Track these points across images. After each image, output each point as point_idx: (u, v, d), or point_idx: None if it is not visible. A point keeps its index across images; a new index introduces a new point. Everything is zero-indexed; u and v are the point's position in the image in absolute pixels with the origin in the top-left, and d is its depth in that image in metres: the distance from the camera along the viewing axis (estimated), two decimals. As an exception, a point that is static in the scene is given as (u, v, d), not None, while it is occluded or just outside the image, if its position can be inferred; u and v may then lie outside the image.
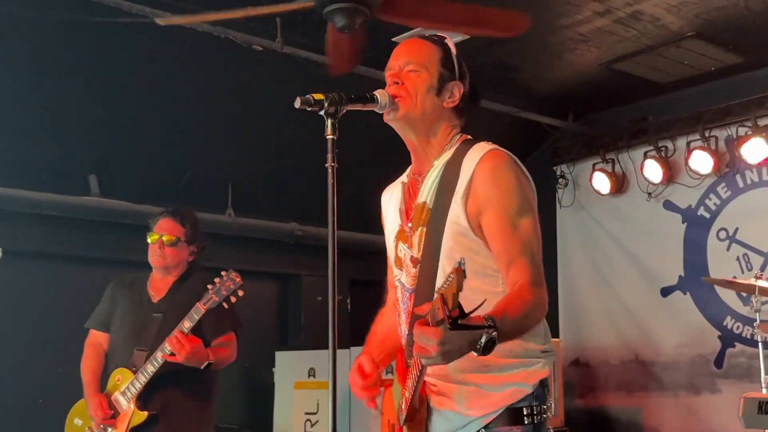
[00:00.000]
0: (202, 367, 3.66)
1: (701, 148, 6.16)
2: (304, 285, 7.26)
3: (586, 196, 7.04)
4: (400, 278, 2.31)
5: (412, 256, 2.21)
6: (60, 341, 5.65)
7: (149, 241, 3.93)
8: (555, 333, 6.48)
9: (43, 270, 5.81)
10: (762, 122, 5.87)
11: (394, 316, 2.49)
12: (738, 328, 6.05)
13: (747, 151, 5.88)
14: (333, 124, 2.06)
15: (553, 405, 2.21)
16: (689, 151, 6.23)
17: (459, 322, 1.73)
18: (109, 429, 3.70)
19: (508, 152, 2.16)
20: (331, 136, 2.06)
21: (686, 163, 6.27)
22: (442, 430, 2.18)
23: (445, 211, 2.12)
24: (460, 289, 1.68)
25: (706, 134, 6.19)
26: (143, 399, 3.67)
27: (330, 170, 2.04)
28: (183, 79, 5.56)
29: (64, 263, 5.89)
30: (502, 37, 4.25)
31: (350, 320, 7.49)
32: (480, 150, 2.15)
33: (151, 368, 3.61)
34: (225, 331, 3.86)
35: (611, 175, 6.77)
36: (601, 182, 6.80)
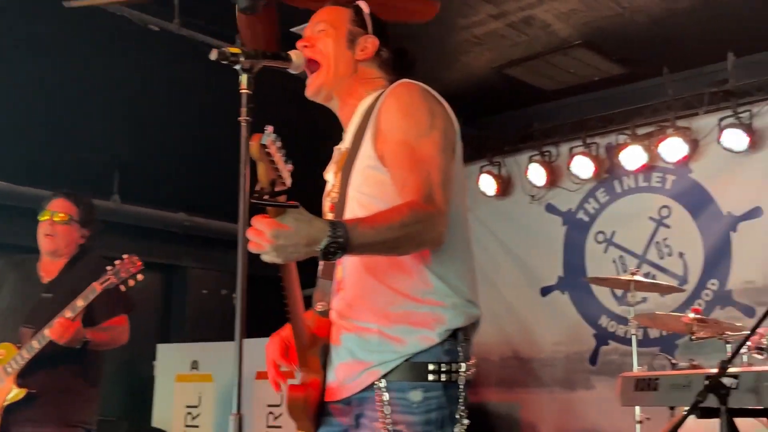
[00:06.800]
0: (79, 346, 3.54)
1: (583, 153, 6.44)
2: (190, 277, 7.15)
3: (473, 198, 7.21)
4: None
5: (331, 204, 2.15)
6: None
7: (40, 219, 3.78)
8: (439, 329, 6.60)
9: None
10: (640, 131, 6.18)
11: None
12: (612, 326, 6.33)
13: (625, 158, 6.19)
14: (248, 79, 2.06)
15: (467, 368, 1.99)
16: (571, 156, 6.49)
17: (264, 197, 1.66)
18: None
19: (419, 83, 2.10)
20: (246, 91, 2.05)
21: (568, 168, 6.53)
22: (340, 379, 2.00)
23: (357, 150, 2.08)
24: (264, 159, 1.68)
25: (588, 141, 6.48)
26: (24, 376, 3.53)
27: (244, 124, 2.03)
28: (72, 57, 5.39)
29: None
30: (409, 22, 4.28)
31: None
32: (391, 86, 2.11)
33: (36, 345, 3.48)
34: (117, 312, 3.77)
35: (497, 177, 6.98)
36: (488, 184, 6.99)
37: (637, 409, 4.72)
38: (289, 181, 1.78)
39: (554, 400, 6.55)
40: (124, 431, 6.36)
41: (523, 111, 7.04)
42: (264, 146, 1.73)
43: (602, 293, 6.39)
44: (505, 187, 7.03)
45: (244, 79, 2.07)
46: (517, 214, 6.99)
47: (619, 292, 6.20)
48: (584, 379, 6.45)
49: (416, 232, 1.84)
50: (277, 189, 1.70)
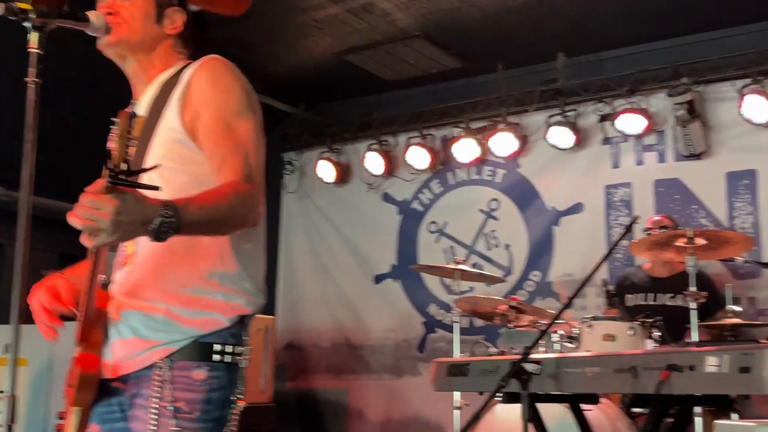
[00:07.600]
0: None
1: (419, 144, 6.53)
2: (8, 256, 6.74)
3: (311, 184, 7.20)
4: None
5: None
6: None
7: None
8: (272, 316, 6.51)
9: None
10: (474, 125, 6.34)
11: None
12: (440, 315, 6.47)
13: (458, 151, 6.33)
14: (39, 38, 1.93)
15: (246, 353, 1.97)
16: (408, 146, 6.57)
17: (120, 177, 1.60)
18: None
19: (227, 60, 2.08)
20: (36, 50, 1.93)
21: (405, 158, 6.60)
22: (118, 356, 1.94)
23: (157, 120, 2.01)
24: (126, 138, 1.61)
25: (424, 132, 6.58)
26: None
27: (32, 86, 1.91)
28: None
29: None
30: (220, 13, 4.18)
31: (58, 296, 7.07)
32: (200, 60, 2.08)
33: None
34: None
35: (336, 164, 6.97)
36: (326, 171, 6.97)
37: (457, 394, 4.83)
38: (131, 159, 1.72)
39: (382, 387, 6.63)
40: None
41: (362, 99, 7.05)
42: (130, 124, 1.66)
43: (432, 282, 6.51)
44: (344, 175, 7.04)
45: (33, 37, 1.95)
46: (354, 201, 7.02)
47: (448, 281, 6.33)
48: (412, 366, 6.56)
49: (241, 213, 1.86)
50: (129, 168, 1.63)
